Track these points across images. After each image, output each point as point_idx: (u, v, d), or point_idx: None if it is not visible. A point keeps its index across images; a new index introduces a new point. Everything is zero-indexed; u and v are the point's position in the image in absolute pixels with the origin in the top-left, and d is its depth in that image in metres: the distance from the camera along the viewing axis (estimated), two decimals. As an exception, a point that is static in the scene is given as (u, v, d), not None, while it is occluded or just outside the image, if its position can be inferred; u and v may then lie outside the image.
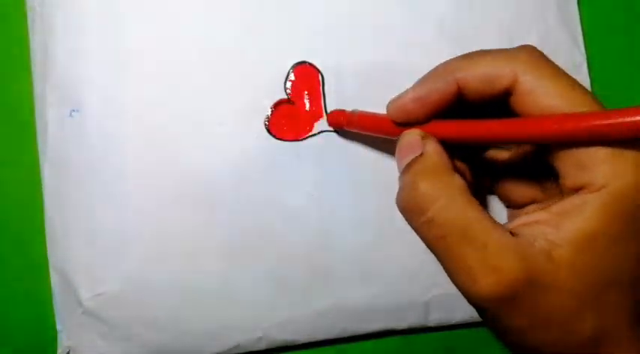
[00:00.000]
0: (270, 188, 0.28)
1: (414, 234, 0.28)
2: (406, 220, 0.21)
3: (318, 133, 0.28)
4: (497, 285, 0.18)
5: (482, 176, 0.26)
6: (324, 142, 0.28)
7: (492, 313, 0.19)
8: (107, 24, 0.27)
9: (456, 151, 0.23)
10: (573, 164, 0.19)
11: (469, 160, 0.25)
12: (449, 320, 0.30)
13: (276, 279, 0.28)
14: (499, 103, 0.21)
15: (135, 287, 0.27)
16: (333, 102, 0.28)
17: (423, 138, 0.21)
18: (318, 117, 0.28)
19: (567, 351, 0.19)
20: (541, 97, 0.19)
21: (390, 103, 0.23)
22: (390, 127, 0.23)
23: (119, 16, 0.27)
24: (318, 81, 0.28)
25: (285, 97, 0.28)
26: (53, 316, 0.28)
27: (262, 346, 0.29)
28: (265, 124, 0.28)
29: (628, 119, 0.17)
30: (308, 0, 0.28)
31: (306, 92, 0.28)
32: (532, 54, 0.20)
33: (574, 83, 0.19)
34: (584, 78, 0.30)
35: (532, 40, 0.28)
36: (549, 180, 0.23)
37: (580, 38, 0.30)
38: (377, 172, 0.28)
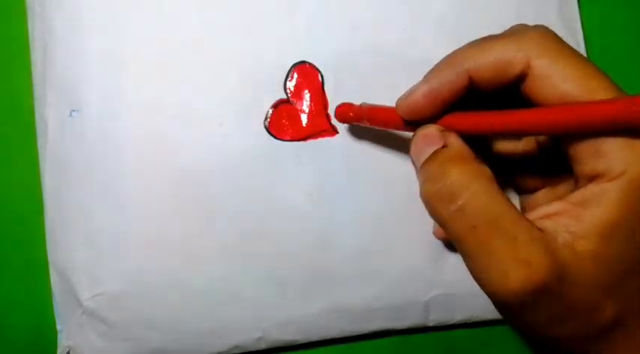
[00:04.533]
0: (270, 188, 0.28)
1: (414, 234, 0.28)
2: (432, 211, 0.20)
3: (319, 132, 0.28)
4: (529, 279, 0.18)
5: (493, 165, 0.26)
6: (324, 142, 0.28)
7: (519, 308, 0.19)
8: (107, 24, 0.27)
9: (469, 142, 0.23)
10: (590, 152, 0.18)
11: (481, 149, 0.25)
12: (449, 320, 0.30)
13: (275, 279, 0.28)
14: (510, 91, 0.20)
15: (135, 287, 0.27)
16: (332, 102, 0.28)
17: (441, 131, 0.21)
18: (318, 117, 0.28)
19: (586, 337, 0.19)
20: (556, 81, 0.19)
21: (399, 100, 0.22)
22: (402, 120, 0.23)
23: (119, 16, 0.27)
24: (319, 81, 0.28)
25: (285, 97, 0.28)
26: (53, 316, 0.28)
27: (262, 346, 0.29)
28: (265, 124, 0.28)
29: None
30: (301, 5, 0.28)
31: (306, 92, 0.28)
32: (544, 36, 0.19)
33: (590, 65, 0.19)
34: None
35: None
36: (560, 165, 0.23)
37: (581, 38, 0.30)
38: (377, 173, 0.28)
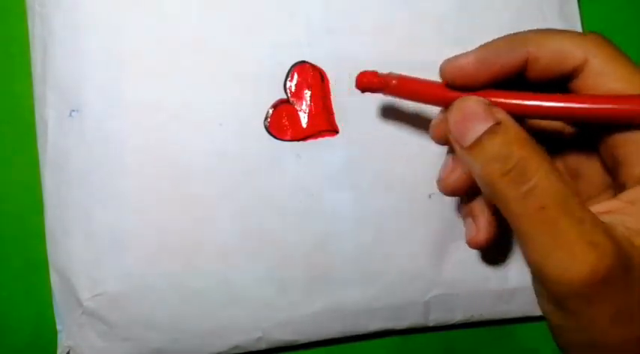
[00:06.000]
0: (270, 188, 0.28)
1: (414, 234, 0.28)
2: (497, 192, 0.19)
3: (318, 133, 0.28)
4: (598, 263, 0.17)
5: None
6: (324, 141, 0.28)
7: (585, 298, 0.18)
8: (106, 24, 0.27)
9: None
10: (638, 152, 0.19)
11: None
12: (449, 320, 0.30)
13: (275, 279, 0.28)
14: (554, 86, 0.21)
15: (134, 287, 0.27)
16: (333, 102, 0.28)
17: (488, 105, 0.20)
18: (318, 117, 0.28)
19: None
20: (609, 79, 0.19)
21: (445, 62, 0.22)
22: (439, 91, 0.22)
23: (118, 15, 0.27)
24: (319, 81, 0.28)
25: (285, 97, 0.28)
26: (53, 316, 0.28)
27: (262, 346, 0.29)
28: (265, 124, 0.28)
29: None
30: (305, 5, 0.28)
31: (306, 92, 0.28)
32: (600, 38, 0.20)
33: (638, 68, 0.20)
34: None
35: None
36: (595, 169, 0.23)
37: None
38: (377, 173, 0.28)
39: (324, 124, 0.28)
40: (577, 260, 0.17)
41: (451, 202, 0.29)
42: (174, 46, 0.27)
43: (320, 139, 0.28)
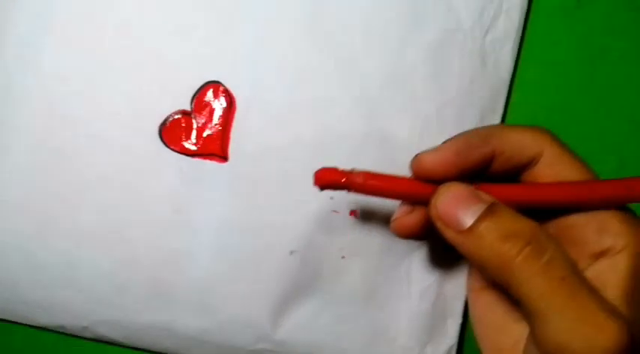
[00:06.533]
0: (143, 191, 0.28)
1: (263, 284, 0.28)
2: (512, 273, 0.19)
3: (209, 154, 0.28)
4: (622, 333, 0.17)
5: None
6: (212, 165, 0.28)
7: None
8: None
9: None
10: (594, 230, 0.20)
11: None
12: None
13: (118, 279, 0.28)
14: (508, 177, 0.22)
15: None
16: (235, 130, 0.28)
17: (475, 189, 0.21)
18: (215, 139, 0.28)
19: None
20: (564, 168, 0.21)
21: (422, 153, 0.22)
22: (412, 186, 0.22)
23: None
24: (227, 105, 0.28)
25: (189, 109, 0.28)
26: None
27: (87, 335, 0.29)
28: (160, 128, 0.28)
29: None
30: (239, 28, 0.28)
31: (210, 111, 0.28)
32: (549, 131, 0.22)
33: (581, 159, 0.22)
34: None
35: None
36: None
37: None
38: (248, 215, 0.28)
39: (217, 149, 0.28)
40: (605, 333, 0.17)
41: (308, 265, 0.28)
42: (103, 25, 0.28)
43: (207, 161, 0.28)
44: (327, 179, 0.22)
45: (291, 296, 0.28)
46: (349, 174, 0.22)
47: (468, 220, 0.20)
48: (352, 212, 0.28)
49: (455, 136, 0.23)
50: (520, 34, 0.28)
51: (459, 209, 0.20)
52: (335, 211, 0.28)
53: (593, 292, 0.18)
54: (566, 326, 0.18)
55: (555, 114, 0.29)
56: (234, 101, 0.28)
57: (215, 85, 0.28)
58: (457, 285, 0.29)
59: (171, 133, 0.28)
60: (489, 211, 0.20)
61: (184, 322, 0.28)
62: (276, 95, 0.28)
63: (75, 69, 0.28)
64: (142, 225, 0.28)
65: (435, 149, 0.22)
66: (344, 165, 0.23)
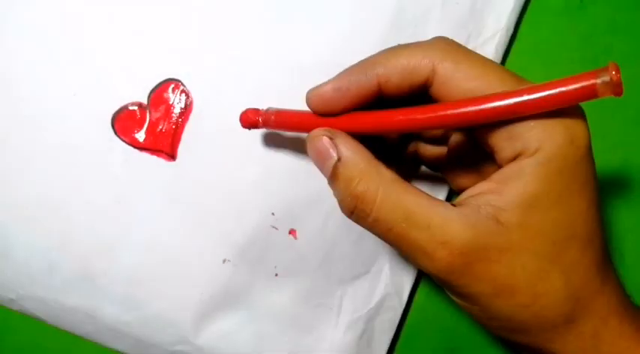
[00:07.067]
0: (86, 176, 0.28)
1: (191, 289, 0.28)
2: (357, 223, 0.21)
3: (157, 150, 0.28)
4: (450, 256, 0.19)
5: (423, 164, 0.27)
6: (159, 161, 0.28)
7: (456, 284, 0.20)
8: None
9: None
10: (505, 137, 0.19)
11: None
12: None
13: (49, 257, 0.28)
14: (422, 97, 0.21)
15: None
16: (187, 130, 0.28)
17: (332, 139, 0.21)
18: (165, 136, 0.28)
19: (544, 313, 0.20)
20: (460, 81, 0.20)
21: (309, 92, 0.22)
22: (308, 122, 0.23)
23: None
24: (183, 105, 0.28)
25: (146, 103, 0.28)
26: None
27: (14, 307, 0.29)
28: (112, 116, 0.27)
29: (538, 95, 0.18)
30: (210, 34, 0.28)
31: (166, 108, 0.28)
32: (447, 42, 0.21)
33: (489, 64, 0.20)
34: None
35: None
36: (489, 163, 0.23)
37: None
38: (185, 217, 0.28)
39: (166, 146, 0.28)
40: (434, 259, 0.19)
41: (239, 276, 0.28)
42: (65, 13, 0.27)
43: (155, 157, 0.28)
44: (248, 119, 0.25)
45: (219, 304, 0.28)
46: (265, 113, 0.24)
47: (326, 173, 0.21)
48: (292, 231, 0.28)
49: (346, 68, 0.22)
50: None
51: (320, 162, 0.21)
52: (275, 227, 0.28)
53: (427, 228, 0.19)
54: (409, 257, 0.20)
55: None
56: (192, 103, 0.28)
57: (176, 83, 0.28)
58: (387, 320, 0.29)
59: (124, 123, 0.28)
60: (332, 174, 0.21)
61: (108, 311, 0.28)
62: (234, 103, 0.27)
63: (28, 47, 0.27)
64: (81, 208, 0.28)
65: (318, 86, 0.22)
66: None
